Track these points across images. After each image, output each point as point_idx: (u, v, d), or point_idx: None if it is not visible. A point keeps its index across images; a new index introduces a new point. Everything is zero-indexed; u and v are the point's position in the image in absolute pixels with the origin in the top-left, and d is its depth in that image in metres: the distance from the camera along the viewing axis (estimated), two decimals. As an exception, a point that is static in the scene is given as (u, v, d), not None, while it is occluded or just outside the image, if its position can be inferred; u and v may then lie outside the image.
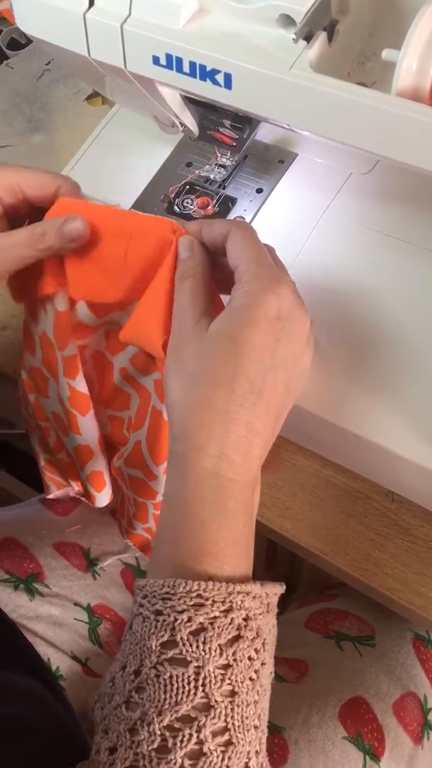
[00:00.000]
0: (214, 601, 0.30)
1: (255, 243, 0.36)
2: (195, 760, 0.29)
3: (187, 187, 0.50)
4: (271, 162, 0.49)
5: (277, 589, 0.34)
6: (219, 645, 0.30)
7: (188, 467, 0.33)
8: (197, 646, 0.30)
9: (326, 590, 0.65)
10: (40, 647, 0.52)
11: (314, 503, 0.45)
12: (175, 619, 0.30)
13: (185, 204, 0.49)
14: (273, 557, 0.67)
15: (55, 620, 0.53)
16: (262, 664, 0.32)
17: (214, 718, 0.29)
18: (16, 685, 0.41)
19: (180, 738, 0.29)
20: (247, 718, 0.30)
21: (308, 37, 0.32)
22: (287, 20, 0.32)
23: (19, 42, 0.53)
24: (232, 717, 0.29)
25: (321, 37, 0.32)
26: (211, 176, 0.49)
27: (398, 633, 0.55)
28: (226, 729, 0.29)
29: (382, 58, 0.32)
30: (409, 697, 0.52)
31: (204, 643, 0.30)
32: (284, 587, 0.35)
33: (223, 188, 0.49)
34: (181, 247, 0.36)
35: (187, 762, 0.29)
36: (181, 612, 0.30)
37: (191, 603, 0.30)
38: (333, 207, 0.47)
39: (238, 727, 0.30)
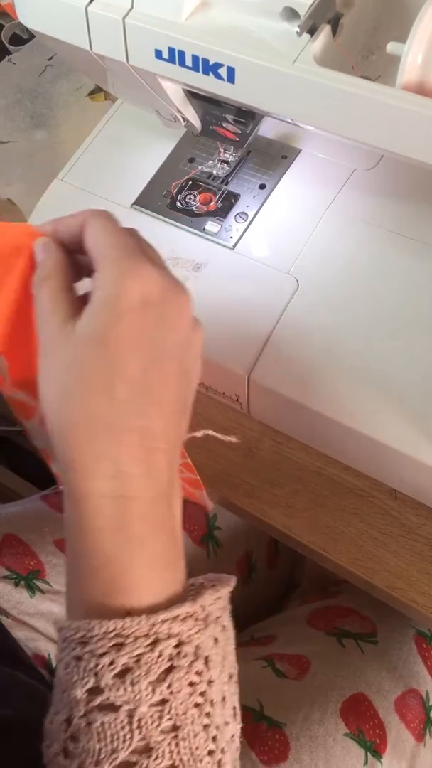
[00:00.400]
0: (136, 638, 0.27)
1: (111, 227, 0.31)
2: None
3: (190, 182, 0.49)
4: (275, 157, 0.49)
5: (216, 594, 0.30)
6: (149, 683, 0.27)
7: (79, 496, 0.28)
8: (125, 689, 0.27)
9: (328, 588, 0.65)
10: (40, 643, 0.52)
11: (317, 501, 0.45)
12: (97, 664, 0.27)
13: (188, 200, 0.49)
14: (275, 555, 0.67)
15: (56, 617, 0.53)
16: (209, 682, 0.29)
17: (157, 758, 0.27)
18: (19, 683, 0.41)
19: None
20: (197, 748, 0.28)
21: (312, 31, 0.32)
22: (291, 13, 0.32)
23: (21, 37, 0.52)
24: (179, 753, 0.27)
25: (325, 31, 0.32)
26: (214, 172, 0.49)
27: (400, 630, 0.55)
28: (173, 766, 0.27)
29: (386, 52, 0.31)
30: (411, 694, 0.52)
31: (132, 684, 0.27)
32: (233, 581, 0.32)
33: (226, 184, 0.49)
34: (36, 250, 0.32)
35: None
36: (102, 656, 0.27)
37: (111, 644, 0.27)
38: (336, 203, 0.46)
39: (188, 761, 0.27)
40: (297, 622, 0.58)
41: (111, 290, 0.29)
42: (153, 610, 0.28)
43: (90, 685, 0.27)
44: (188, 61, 0.33)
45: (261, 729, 0.48)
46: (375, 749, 0.49)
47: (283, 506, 0.45)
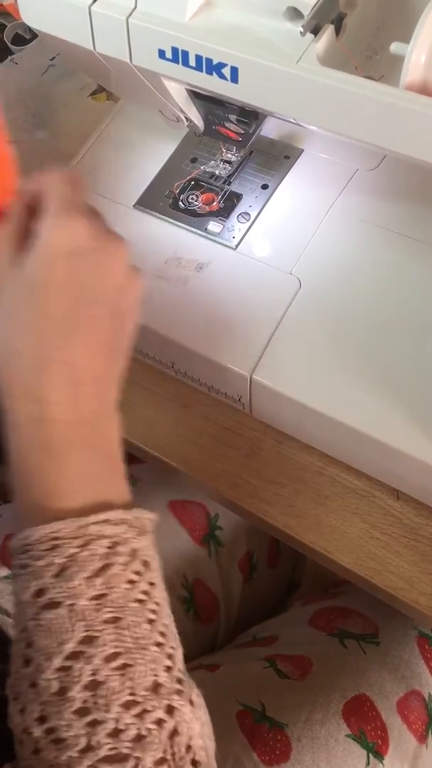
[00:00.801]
0: (67, 539, 0.30)
1: (56, 183, 0.35)
2: (94, 691, 0.29)
3: (192, 182, 0.49)
4: (277, 158, 0.49)
5: (147, 514, 0.33)
6: (85, 578, 0.30)
7: (12, 419, 0.32)
8: (62, 586, 0.30)
9: (330, 588, 0.64)
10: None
11: (318, 501, 0.45)
12: (37, 567, 0.30)
13: (190, 200, 0.49)
14: (276, 555, 0.67)
15: None
16: (150, 583, 0.31)
17: (101, 646, 0.29)
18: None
19: (73, 675, 0.29)
20: (141, 638, 0.30)
21: (315, 31, 0.32)
22: (294, 13, 0.32)
23: (24, 37, 0.52)
24: (122, 641, 0.29)
25: (328, 31, 0.32)
26: (216, 172, 0.49)
27: (402, 631, 0.55)
28: (117, 654, 0.29)
29: (390, 52, 0.31)
30: (413, 695, 0.52)
31: (68, 580, 0.30)
32: (156, 516, 0.34)
33: (229, 184, 0.49)
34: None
35: (87, 694, 0.29)
36: (39, 558, 0.30)
37: (47, 547, 0.30)
38: (338, 203, 0.46)
39: (131, 648, 0.29)
40: (299, 623, 0.58)
41: (41, 240, 0.33)
42: (83, 514, 0.31)
43: (34, 587, 0.30)
44: (192, 61, 0.33)
45: (263, 729, 0.48)
46: (377, 750, 0.49)
47: (285, 506, 0.45)
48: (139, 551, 0.32)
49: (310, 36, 0.32)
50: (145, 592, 0.31)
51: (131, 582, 0.31)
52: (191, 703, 0.31)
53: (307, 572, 0.68)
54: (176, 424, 0.40)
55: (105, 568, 0.30)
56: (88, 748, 0.28)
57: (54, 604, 0.30)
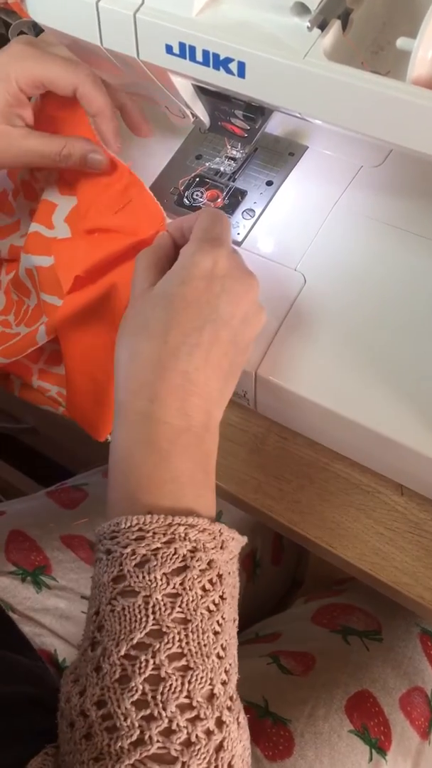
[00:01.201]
0: (154, 533, 0.32)
1: (211, 216, 0.39)
2: (155, 686, 0.29)
3: (197, 179, 0.49)
4: (282, 154, 0.49)
5: (234, 534, 0.35)
6: (164, 574, 0.31)
7: (124, 412, 0.35)
8: (143, 576, 0.31)
9: (333, 586, 0.65)
10: (46, 638, 0.52)
11: (323, 497, 0.45)
12: (121, 554, 0.32)
13: (195, 196, 0.49)
14: (280, 551, 0.67)
15: (62, 613, 0.53)
16: (222, 598, 0.33)
17: (168, 643, 0.30)
18: (20, 664, 0.42)
19: (138, 665, 0.30)
20: (205, 645, 0.31)
21: (322, 26, 0.32)
22: (301, 8, 0.32)
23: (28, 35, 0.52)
24: (187, 643, 0.30)
25: (335, 26, 0.32)
26: (221, 169, 0.49)
27: (405, 628, 0.55)
28: (182, 654, 0.30)
29: (396, 47, 0.31)
30: (416, 691, 0.52)
31: (149, 572, 0.31)
32: (245, 539, 0.36)
33: (233, 181, 0.49)
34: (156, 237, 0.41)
35: (147, 687, 0.29)
36: (126, 546, 0.31)
37: (134, 537, 0.32)
38: (343, 200, 0.46)
39: (195, 653, 0.30)
40: (302, 620, 0.58)
41: (186, 261, 0.37)
42: (173, 514, 0.32)
43: (115, 573, 0.32)
44: (199, 56, 0.33)
45: (266, 725, 0.49)
46: (380, 746, 0.49)
47: (290, 502, 0.45)
48: (216, 563, 0.33)
49: (317, 31, 0.32)
50: (215, 604, 0.32)
51: (204, 590, 0.32)
52: (238, 723, 0.31)
53: (310, 570, 0.69)
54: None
55: (184, 569, 0.31)
56: (140, 742, 0.29)
57: (131, 593, 0.31)
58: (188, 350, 0.35)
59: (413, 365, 0.41)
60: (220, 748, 0.30)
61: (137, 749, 0.28)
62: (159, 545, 0.31)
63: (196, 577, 0.31)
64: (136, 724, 0.29)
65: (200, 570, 0.32)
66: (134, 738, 0.29)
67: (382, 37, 0.35)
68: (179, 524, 0.32)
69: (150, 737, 0.29)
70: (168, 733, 0.29)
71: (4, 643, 0.47)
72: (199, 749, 0.29)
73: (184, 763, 0.28)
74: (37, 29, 0.52)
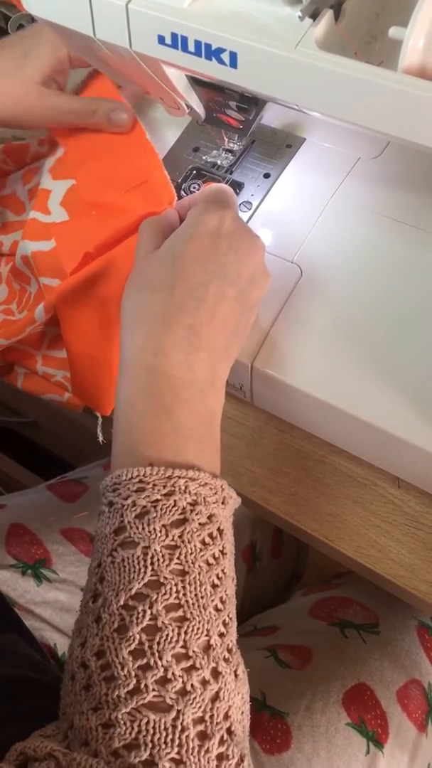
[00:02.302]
0: (154, 485, 0.32)
1: (216, 187, 0.40)
2: (152, 635, 0.30)
3: (194, 172, 0.49)
4: (279, 146, 0.49)
5: (233, 493, 0.35)
6: (163, 525, 0.31)
7: (129, 365, 0.35)
8: (142, 528, 0.31)
9: (331, 579, 0.65)
10: (46, 632, 0.52)
11: (320, 489, 0.45)
12: (122, 505, 0.32)
13: (192, 189, 0.49)
14: (280, 545, 0.67)
15: (62, 606, 0.54)
16: (222, 552, 0.33)
17: (165, 594, 0.30)
18: (23, 649, 0.42)
19: (135, 615, 0.30)
20: (202, 597, 0.31)
21: (314, 15, 0.32)
22: (293, -2, 0.32)
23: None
24: (184, 594, 0.30)
25: (327, 15, 0.32)
26: (218, 161, 0.49)
27: (402, 621, 0.55)
28: (179, 605, 0.30)
29: (389, 37, 0.31)
30: (413, 684, 0.52)
31: (148, 524, 0.31)
32: (239, 500, 0.36)
33: (231, 173, 0.49)
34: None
35: (144, 636, 0.30)
36: (127, 498, 0.32)
37: (134, 489, 0.32)
38: (340, 192, 0.46)
39: (192, 604, 0.30)
40: (299, 613, 0.58)
41: (191, 220, 0.38)
42: (174, 467, 0.33)
43: (116, 525, 0.32)
44: (191, 47, 0.33)
45: (263, 718, 0.49)
46: (377, 739, 0.49)
47: (287, 494, 0.45)
48: (217, 517, 0.33)
49: (308, 21, 0.32)
50: (214, 557, 0.32)
51: (204, 543, 0.32)
52: (236, 675, 0.32)
53: (309, 563, 0.69)
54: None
55: (183, 521, 0.32)
56: (136, 691, 0.29)
57: (131, 544, 0.31)
58: (194, 304, 0.35)
59: (410, 357, 0.41)
60: (215, 698, 0.30)
61: (133, 698, 0.29)
62: (159, 497, 0.31)
63: (195, 530, 0.32)
64: (133, 674, 0.29)
65: (200, 523, 0.32)
66: (131, 687, 0.29)
67: (375, 28, 0.35)
68: (179, 477, 0.32)
69: (146, 686, 0.29)
70: (163, 682, 0.29)
71: (9, 628, 0.47)
72: (194, 698, 0.29)
73: (178, 711, 0.29)
74: (36, 22, 0.52)
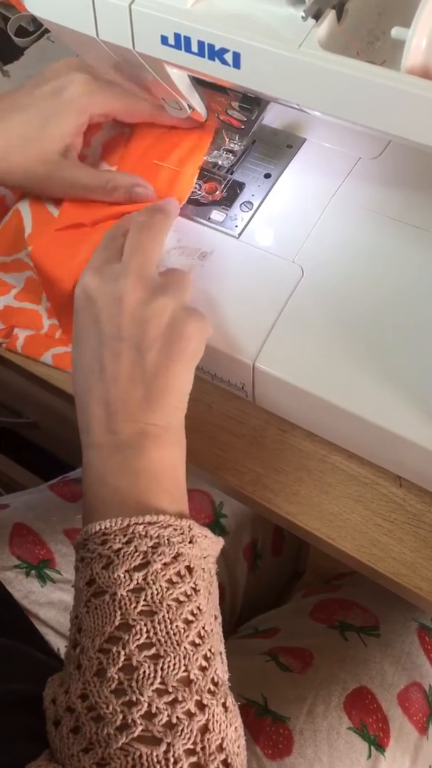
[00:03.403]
0: (115, 535, 0.33)
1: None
2: (129, 674, 0.31)
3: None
4: (280, 147, 0.49)
5: (206, 532, 0.36)
6: (126, 571, 0.32)
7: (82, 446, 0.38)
8: (108, 576, 0.33)
9: (332, 581, 0.64)
10: (50, 637, 0.52)
11: (321, 489, 0.45)
12: (91, 559, 0.34)
13: (193, 189, 0.49)
14: (281, 543, 0.67)
15: (67, 606, 0.53)
16: (194, 589, 0.33)
17: (136, 634, 0.31)
18: (22, 656, 0.42)
19: (111, 656, 0.31)
20: (175, 634, 0.32)
21: (317, 16, 0.32)
22: (296, -2, 0.32)
23: (27, 30, 0.53)
24: (155, 633, 0.31)
25: (330, 16, 0.32)
26: (220, 162, 0.49)
27: (403, 623, 0.55)
28: (151, 644, 0.31)
29: (391, 37, 0.31)
30: (414, 687, 0.52)
31: (113, 572, 0.32)
32: (220, 541, 0.37)
33: (231, 173, 0.49)
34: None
35: (122, 676, 0.31)
36: (93, 551, 0.34)
37: (99, 542, 0.34)
38: (341, 192, 0.46)
39: (164, 641, 0.31)
40: (300, 615, 0.58)
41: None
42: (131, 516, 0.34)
43: (87, 577, 0.34)
44: (194, 47, 0.33)
45: (265, 723, 0.48)
46: (378, 743, 0.49)
47: (288, 494, 0.45)
48: (184, 556, 0.34)
49: (311, 21, 0.32)
50: (186, 594, 0.33)
51: (171, 582, 0.33)
52: (224, 707, 0.32)
53: (310, 561, 0.68)
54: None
55: (145, 564, 0.33)
56: (125, 726, 0.29)
57: (101, 593, 0.33)
58: (97, 379, 0.37)
59: (412, 357, 0.41)
60: (205, 729, 0.30)
61: (123, 733, 0.29)
62: (120, 545, 0.33)
63: (159, 570, 0.33)
64: (119, 710, 0.30)
65: (163, 564, 0.33)
66: (118, 723, 0.29)
67: (377, 28, 0.35)
68: (137, 523, 0.33)
69: (133, 720, 0.29)
70: (149, 716, 0.30)
71: (10, 631, 0.47)
72: (182, 729, 0.30)
73: (168, 744, 0.29)
74: (36, 23, 0.53)
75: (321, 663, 0.52)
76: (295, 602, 0.62)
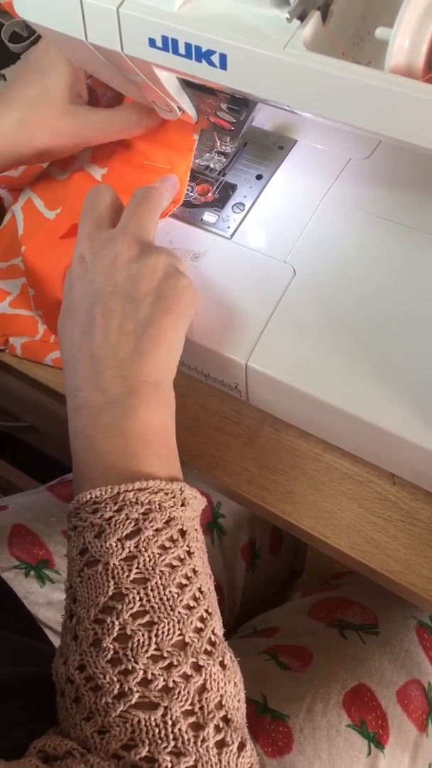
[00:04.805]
0: (106, 503, 0.33)
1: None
2: (124, 643, 0.31)
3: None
4: (271, 148, 0.49)
5: (195, 493, 0.36)
6: (118, 539, 0.32)
7: (68, 411, 0.38)
8: (100, 545, 0.32)
9: (331, 580, 0.65)
10: (49, 637, 0.52)
11: (316, 487, 0.45)
12: (83, 528, 0.33)
13: (186, 191, 0.49)
14: (278, 542, 0.67)
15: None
16: (188, 552, 0.34)
17: (129, 603, 0.31)
18: (21, 643, 0.43)
19: (105, 627, 0.31)
20: (168, 599, 0.32)
21: (302, 17, 0.32)
22: (281, 0, 0.32)
23: (21, 35, 0.53)
24: (148, 600, 0.31)
25: (315, 17, 0.32)
26: (211, 164, 0.50)
27: (402, 621, 0.55)
28: (145, 611, 0.31)
29: (376, 37, 0.32)
30: (413, 684, 0.52)
31: (105, 540, 0.32)
32: (204, 500, 0.37)
33: (223, 175, 0.49)
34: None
35: (117, 645, 0.31)
36: (85, 520, 0.33)
37: (90, 511, 0.33)
38: (332, 192, 0.47)
39: (158, 608, 0.31)
40: (299, 614, 0.58)
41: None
42: (122, 483, 0.34)
43: (80, 546, 0.33)
44: (181, 49, 0.34)
45: (265, 721, 0.49)
46: (378, 740, 0.49)
47: (283, 493, 0.45)
48: (176, 520, 0.34)
49: (296, 22, 0.32)
50: (179, 559, 0.33)
51: (163, 548, 0.33)
52: (222, 665, 0.32)
53: (308, 560, 0.69)
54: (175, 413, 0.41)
55: (137, 532, 0.33)
56: (122, 694, 0.30)
57: (94, 562, 0.33)
58: (89, 337, 0.37)
59: (404, 355, 0.41)
60: (203, 689, 0.31)
61: (120, 701, 0.30)
62: (111, 513, 0.33)
63: (151, 537, 0.33)
64: (115, 679, 0.30)
65: (155, 530, 0.33)
66: (116, 692, 0.30)
67: (362, 28, 0.35)
68: (127, 491, 0.33)
69: (129, 688, 0.30)
70: (145, 682, 0.30)
71: (9, 625, 0.47)
72: (179, 692, 0.30)
73: (166, 707, 0.30)
74: (29, 29, 0.53)
75: (320, 661, 0.52)
76: (294, 601, 0.62)
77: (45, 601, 0.54)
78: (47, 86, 0.44)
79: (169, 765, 0.29)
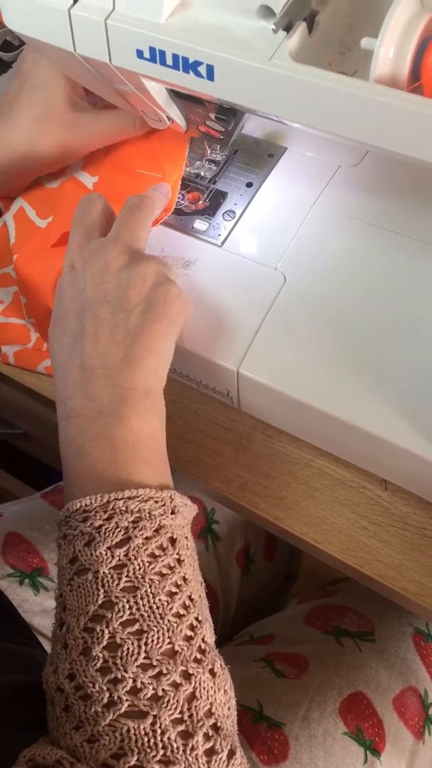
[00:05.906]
0: (96, 512, 0.33)
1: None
2: (113, 652, 0.31)
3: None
4: (261, 156, 0.50)
5: (186, 501, 0.36)
6: (108, 548, 0.32)
7: (58, 419, 0.38)
8: (90, 554, 0.33)
9: (326, 587, 0.64)
10: (44, 646, 0.52)
11: (308, 493, 0.45)
12: (73, 536, 0.34)
13: (176, 199, 0.50)
14: (273, 548, 0.67)
15: None
16: (178, 560, 0.34)
17: (119, 612, 0.31)
18: (11, 652, 0.42)
19: (95, 636, 0.31)
20: (158, 608, 0.32)
21: (288, 28, 0.33)
22: (267, 11, 0.33)
23: (13, 44, 0.54)
24: (138, 608, 0.31)
25: (301, 28, 0.33)
26: (202, 172, 0.50)
27: (398, 628, 0.55)
28: (134, 620, 0.31)
29: (362, 47, 0.32)
30: (409, 691, 0.52)
31: (95, 549, 0.32)
32: (195, 507, 0.37)
33: (214, 183, 0.50)
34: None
35: (107, 654, 0.31)
36: (75, 528, 0.34)
37: (81, 519, 0.33)
38: (322, 199, 0.47)
39: (147, 616, 0.31)
40: (295, 621, 0.58)
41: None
42: (112, 491, 0.34)
43: (70, 555, 0.33)
44: (169, 60, 0.34)
45: (260, 729, 0.48)
46: (374, 748, 0.49)
47: (275, 499, 0.45)
48: (166, 528, 0.34)
49: (282, 33, 0.33)
50: (169, 567, 0.33)
51: (153, 556, 0.33)
52: (212, 673, 0.32)
53: (304, 566, 0.68)
54: (167, 420, 0.41)
55: (126, 540, 0.33)
56: (111, 703, 0.30)
57: (83, 570, 0.33)
58: (79, 345, 0.37)
59: (395, 361, 0.41)
60: (192, 698, 0.31)
61: (110, 710, 0.30)
62: (101, 522, 0.33)
63: (140, 545, 0.33)
64: (104, 688, 0.30)
65: (145, 538, 0.33)
66: (105, 701, 0.30)
67: (348, 38, 0.36)
68: (117, 499, 0.33)
69: (119, 697, 0.30)
70: (134, 691, 0.30)
71: (3, 634, 0.47)
72: (168, 701, 0.30)
73: (155, 716, 0.30)
74: (21, 39, 0.54)
75: (316, 669, 0.52)
76: (290, 609, 0.62)
77: (39, 609, 0.54)
78: (48, 102, 0.45)
79: None
